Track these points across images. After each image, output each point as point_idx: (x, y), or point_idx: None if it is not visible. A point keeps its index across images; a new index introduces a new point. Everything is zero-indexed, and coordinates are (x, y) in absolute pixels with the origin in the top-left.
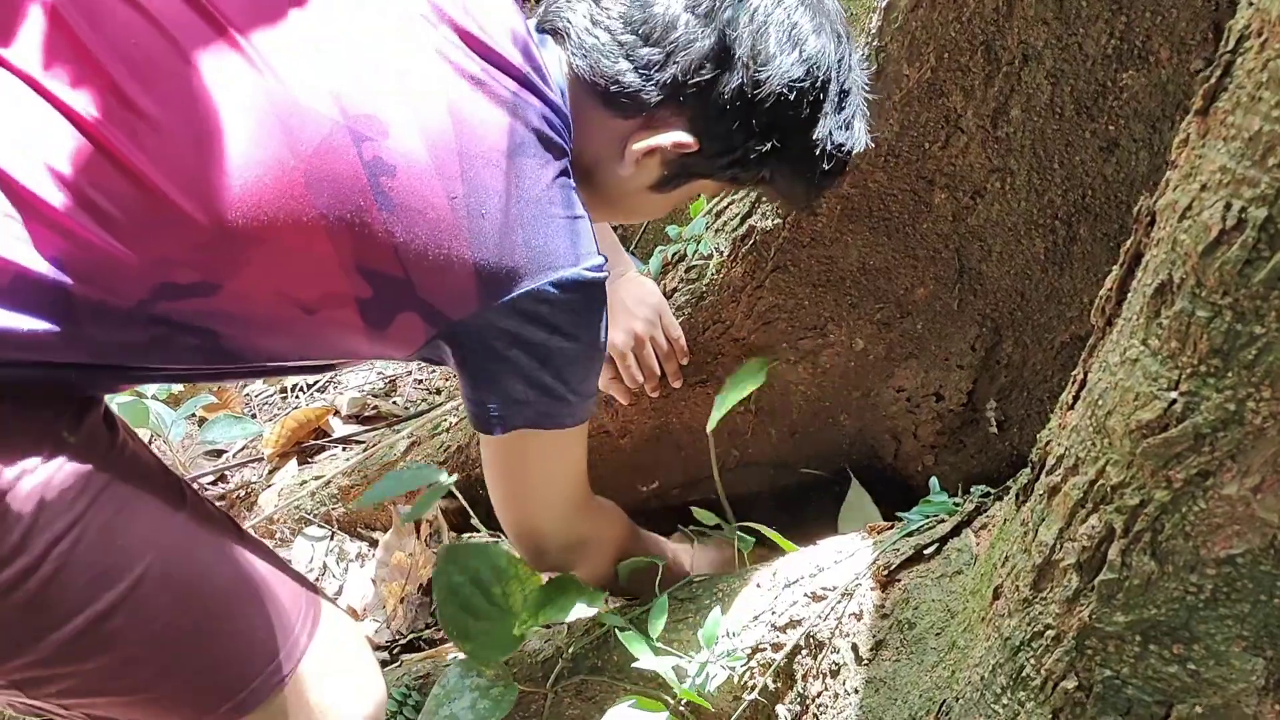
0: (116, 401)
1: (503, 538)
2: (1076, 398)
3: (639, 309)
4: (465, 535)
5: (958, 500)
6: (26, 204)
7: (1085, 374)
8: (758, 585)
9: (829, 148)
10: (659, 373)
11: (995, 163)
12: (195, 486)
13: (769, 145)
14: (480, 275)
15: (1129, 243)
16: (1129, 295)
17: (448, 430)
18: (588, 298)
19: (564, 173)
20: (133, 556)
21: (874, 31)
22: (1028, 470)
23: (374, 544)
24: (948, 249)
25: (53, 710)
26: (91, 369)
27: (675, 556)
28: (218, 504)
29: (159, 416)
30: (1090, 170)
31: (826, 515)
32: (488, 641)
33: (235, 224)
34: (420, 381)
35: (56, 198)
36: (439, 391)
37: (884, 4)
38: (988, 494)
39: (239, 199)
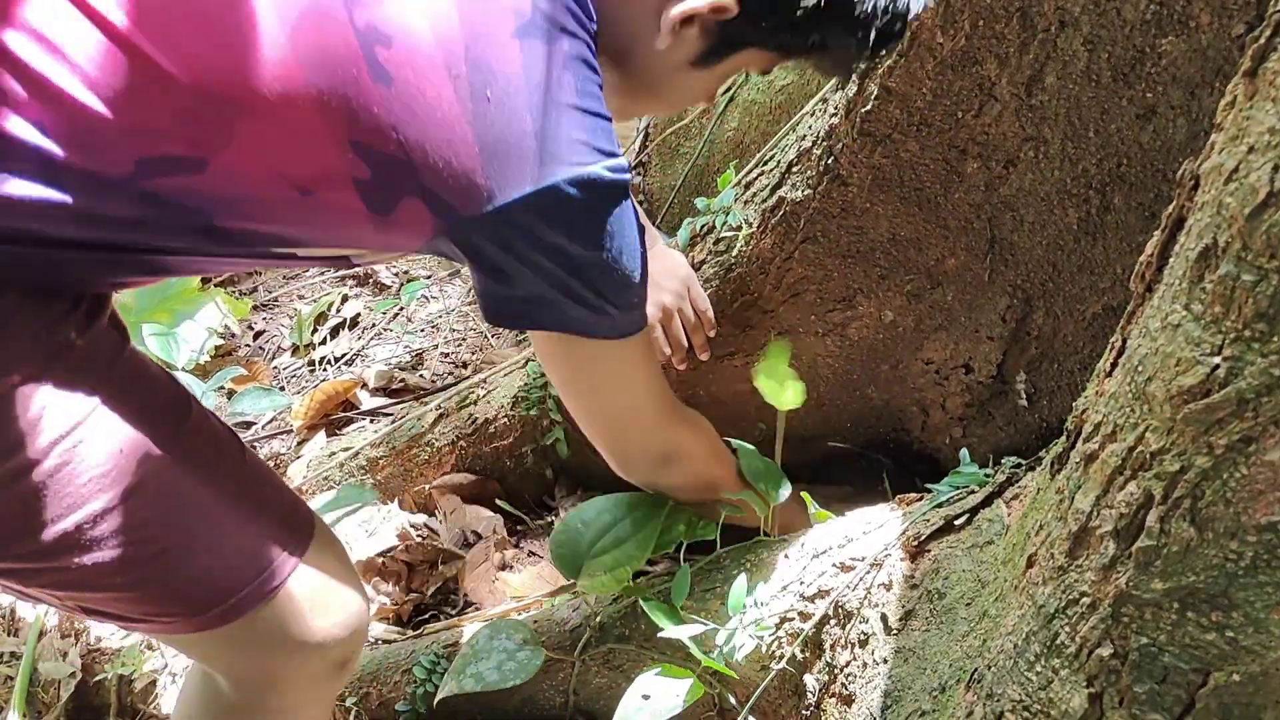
0: None
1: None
2: (1115, 364)
3: (667, 282)
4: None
5: (989, 471)
6: (8, 63)
7: (1124, 340)
8: (786, 556)
9: (882, 3)
10: (686, 345)
11: (1029, 131)
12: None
13: (815, 2)
14: (486, 165)
15: (1171, 207)
16: (1170, 260)
17: (475, 403)
18: (607, 201)
19: (581, 60)
20: (132, 462)
21: None
22: (1062, 440)
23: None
24: (979, 219)
25: (45, 599)
26: (90, 249)
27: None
28: None
29: (188, 388)
30: (1126, 138)
31: (854, 488)
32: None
33: (217, 89)
34: (447, 355)
35: (38, 59)
36: (465, 365)
37: None
38: (1019, 464)
39: (221, 63)
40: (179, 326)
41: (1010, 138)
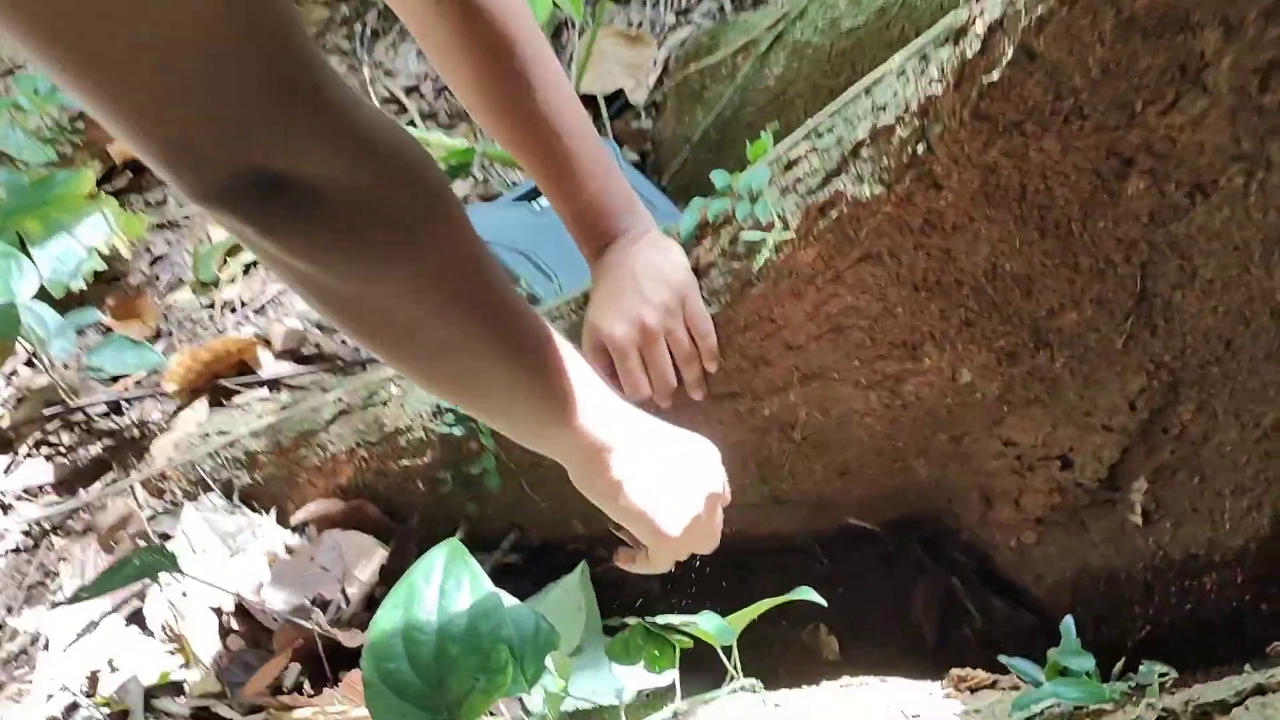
0: None
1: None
2: None
3: (654, 290)
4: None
5: (1114, 688)
6: None
7: None
8: None
9: None
10: (674, 381)
11: (1244, 147)
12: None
13: None
14: None
15: None
16: None
17: (385, 404)
18: None
19: None
20: None
21: None
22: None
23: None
24: (1128, 262)
25: None
26: None
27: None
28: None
29: (38, 320)
30: None
31: (868, 575)
32: None
33: None
34: None
35: None
36: None
37: None
38: (1166, 674)
39: None
40: (49, 242)
41: (1211, 151)
